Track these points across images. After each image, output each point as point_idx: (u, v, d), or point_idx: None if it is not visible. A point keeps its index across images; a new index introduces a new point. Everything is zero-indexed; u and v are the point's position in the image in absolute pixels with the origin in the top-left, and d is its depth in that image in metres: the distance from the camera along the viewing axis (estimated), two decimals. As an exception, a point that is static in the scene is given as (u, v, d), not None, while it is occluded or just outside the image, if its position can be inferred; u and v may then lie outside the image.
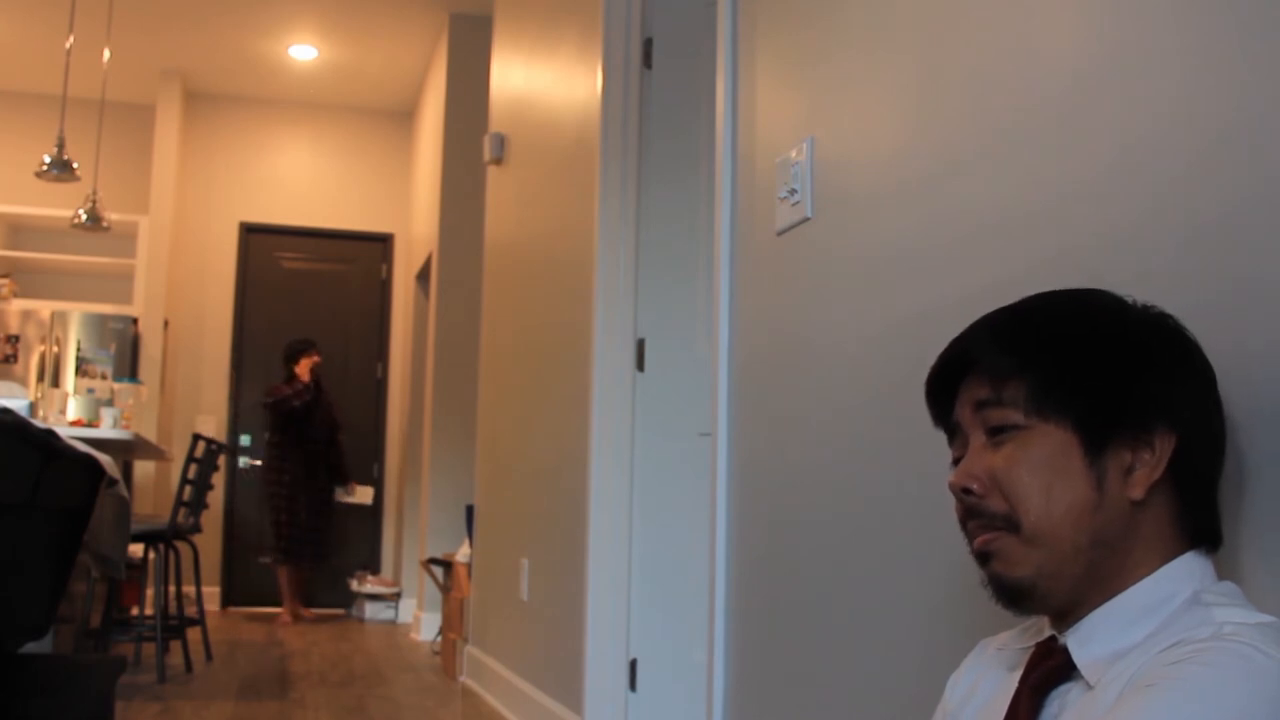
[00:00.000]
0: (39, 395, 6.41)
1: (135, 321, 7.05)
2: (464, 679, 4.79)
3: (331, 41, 6.89)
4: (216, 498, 7.05)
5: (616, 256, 3.32)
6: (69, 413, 5.66)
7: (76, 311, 6.99)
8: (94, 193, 5.93)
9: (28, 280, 7.43)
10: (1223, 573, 1.05)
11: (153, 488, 7.27)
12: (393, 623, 7.09)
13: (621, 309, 3.30)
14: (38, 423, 2.89)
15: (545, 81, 4.22)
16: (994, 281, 1.51)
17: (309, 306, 7.78)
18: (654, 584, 3.24)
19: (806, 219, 2.07)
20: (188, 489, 5.03)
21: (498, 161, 4.84)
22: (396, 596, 7.23)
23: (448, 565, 5.46)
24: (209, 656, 5.24)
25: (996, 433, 1.07)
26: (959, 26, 1.65)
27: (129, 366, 6.92)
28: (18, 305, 7.11)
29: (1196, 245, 1.18)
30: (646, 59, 3.36)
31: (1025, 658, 1.10)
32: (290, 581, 6.99)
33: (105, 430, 4.80)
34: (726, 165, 2.42)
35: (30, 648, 2.40)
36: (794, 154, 2.11)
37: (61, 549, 2.35)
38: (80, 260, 7.37)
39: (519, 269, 4.47)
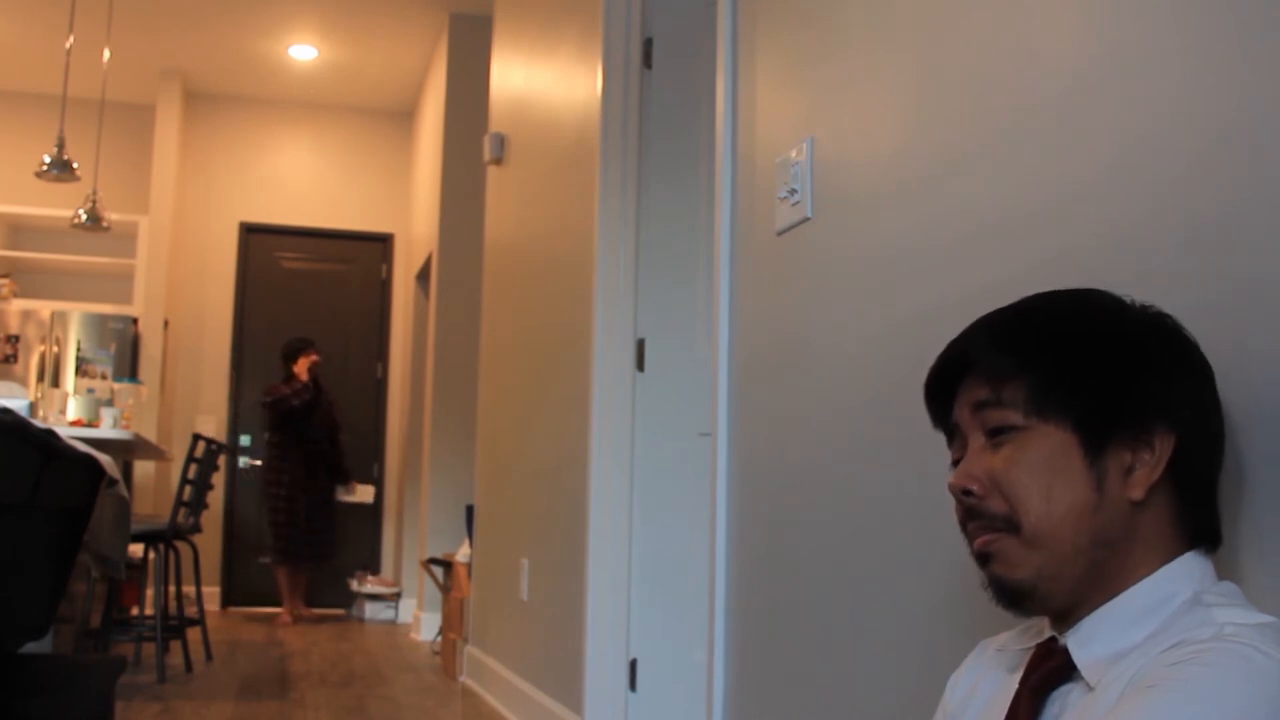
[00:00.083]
0: (39, 395, 6.41)
1: (135, 321, 7.05)
2: (464, 679, 4.79)
3: (331, 41, 6.89)
4: (216, 498, 7.05)
5: (616, 256, 3.32)
6: (69, 413, 5.66)
7: (76, 311, 6.99)
8: (94, 193, 5.93)
9: (28, 280, 7.43)
10: (1223, 573, 1.05)
11: (153, 488, 7.27)
12: (393, 623, 7.09)
13: (621, 309, 3.30)
14: (38, 423, 2.89)
15: (545, 81, 4.22)
16: (994, 281, 1.51)
17: (309, 306, 7.77)
18: (654, 584, 3.24)
19: (806, 219, 2.07)
20: (188, 489, 5.03)
21: (498, 161, 4.84)
22: (396, 596, 7.23)
23: (448, 565, 5.46)
24: (209, 656, 5.24)
25: (996, 434, 1.06)
26: (959, 26, 1.65)
27: (129, 366, 6.92)
28: (18, 305, 7.11)
29: (1196, 245, 1.18)
30: (646, 59, 3.36)
31: (1025, 659, 1.10)
32: (289, 581, 7.00)
33: (105, 430, 4.80)
34: (726, 165, 2.42)
35: (30, 648, 2.40)
36: (794, 154, 2.11)
37: (61, 549, 2.35)
38: (80, 260, 7.37)
39: (519, 269, 4.47)
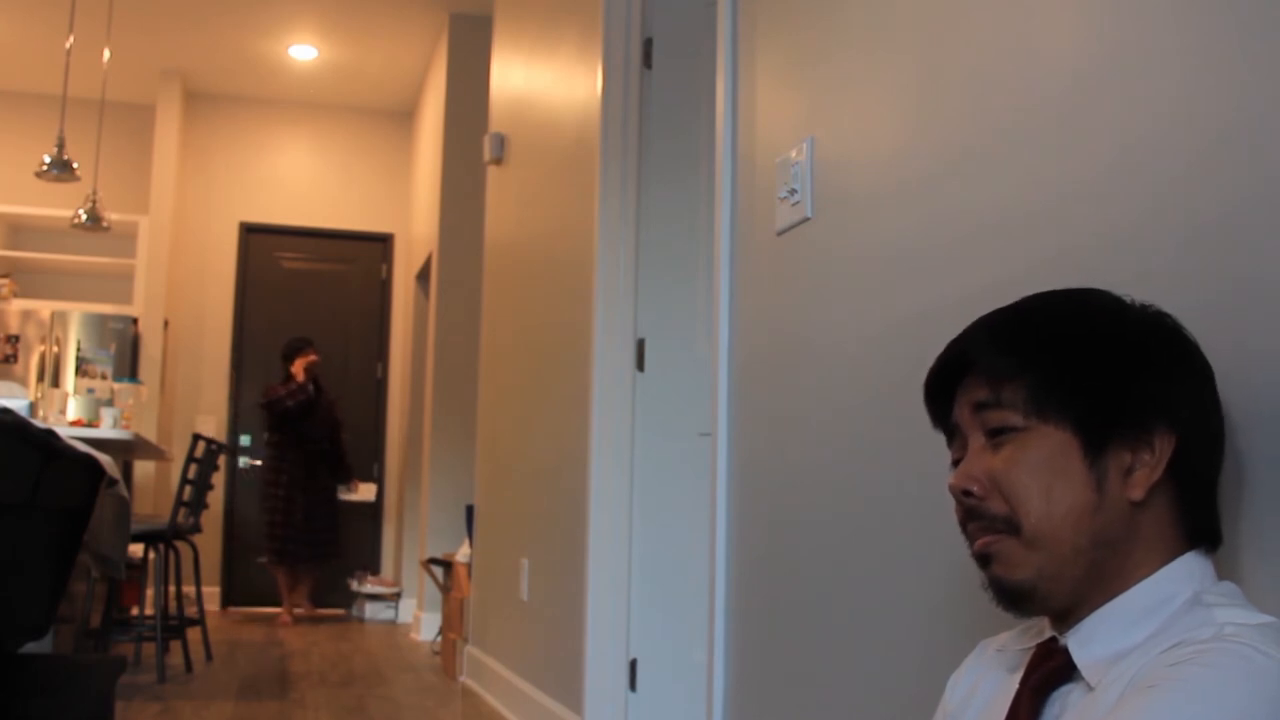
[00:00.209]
0: (39, 395, 6.40)
1: (135, 321, 7.05)
2: (464, 679, 4.79)
3: (331, 41, 6.89)
4: (216, 498, 7.05)
5: (616, 256, 3.32)
6: (69, 413, 5.66)
7: (76, 311, 6.99)
8: (94, 193, 5.93)
9: (28, 280, 7.43)
10: (1223, 573, 1.05)
11: (153, 488, 7.27)
12: (393, 623, 7.09)
13: (621, 309, 3.30)
14: (38, 423, 2.89)
15: (545, 81, 4.22)
16: (994, 281, 1.51)
17: (309, 306, 7.77)
18: (654, 584, 3.24)
19: (806, 219, 2.07)
20: (188, 489, 5.03)
21: (498, 161, 4.84)
22: (396, 596, 7.23)
23: (448, 565, 5.46)
24: (209, 656, 5.24)
25: (996, 434, 1.06)
26: (959, 26, 1.65)
27: (129, 366, 6.92)
28: (18, 305, 7.11)
29: (1196, 245, 1.18)
30: (646, 59, 3.36)
31: (1025, 659, 1.10)
32: (289, 582, 7.00)
33: (105, 430, 4.80)
34: (726, 165, 2.42)
35: (30, 648, 2.40)
36: (794, 154, 2.11)
37: (61, 549, 2.35)
38: (80, 260, 7.37)
39: (519, 269, 4.47)
